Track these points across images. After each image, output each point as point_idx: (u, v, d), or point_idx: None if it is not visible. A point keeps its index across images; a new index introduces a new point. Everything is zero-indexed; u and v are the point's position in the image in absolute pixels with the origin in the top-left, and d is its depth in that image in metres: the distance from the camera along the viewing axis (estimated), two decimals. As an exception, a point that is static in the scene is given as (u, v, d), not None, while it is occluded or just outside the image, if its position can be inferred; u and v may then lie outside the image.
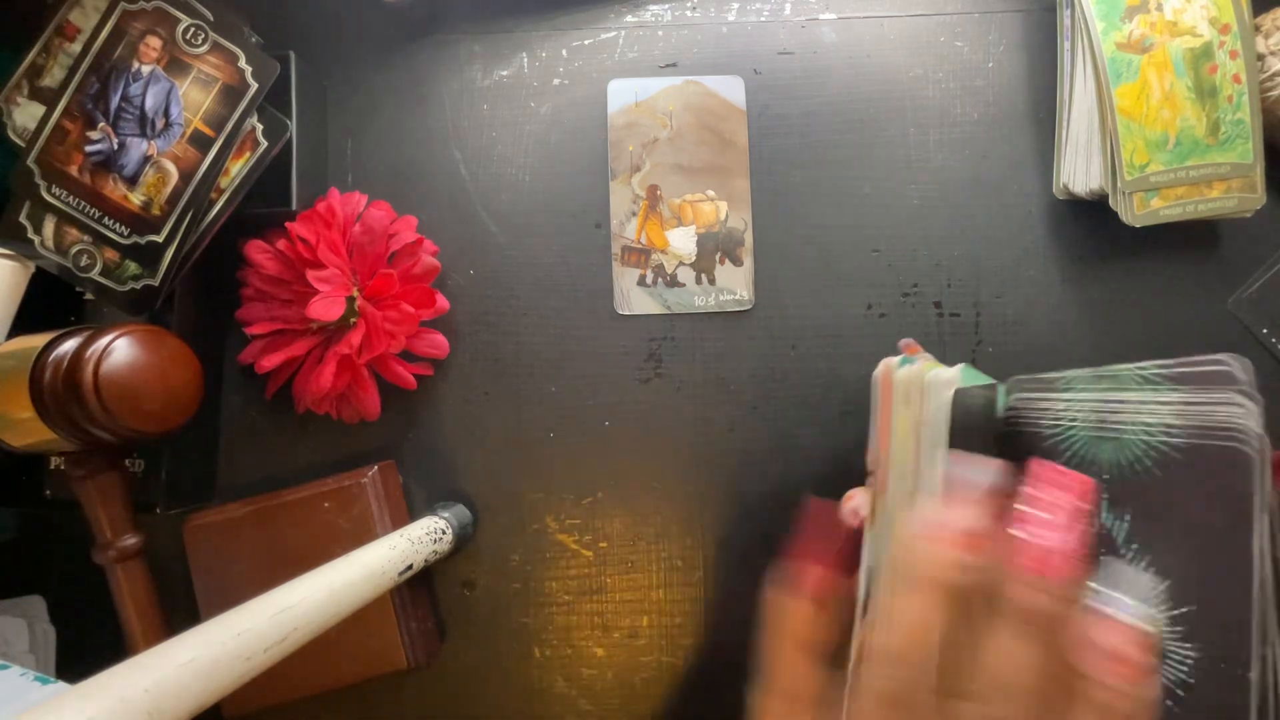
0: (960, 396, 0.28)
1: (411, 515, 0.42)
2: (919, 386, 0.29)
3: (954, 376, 0.29)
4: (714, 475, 0.43)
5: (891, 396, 0.31)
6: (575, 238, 0.44)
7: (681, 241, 0.44)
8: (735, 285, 0.43)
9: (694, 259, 0.43)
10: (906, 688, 0.18)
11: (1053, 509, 0.19)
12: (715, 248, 0.44)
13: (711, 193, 0.44)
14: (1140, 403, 0.27)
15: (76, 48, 0.38)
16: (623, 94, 0.44)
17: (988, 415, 0.27)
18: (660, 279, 0.43)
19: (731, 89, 0.44)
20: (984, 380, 0.30)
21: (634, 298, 0.43)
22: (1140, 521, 0.26)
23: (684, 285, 0.43)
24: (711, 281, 0.43)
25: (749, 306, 0.43)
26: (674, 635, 0.42)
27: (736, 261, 0.44)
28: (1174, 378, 0.27)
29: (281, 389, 0.42)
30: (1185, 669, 0.26)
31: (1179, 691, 0.26)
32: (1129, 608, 0.20)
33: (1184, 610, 0.26)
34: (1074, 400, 0.29)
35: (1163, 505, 0.25)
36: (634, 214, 0.44)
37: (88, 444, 0.34)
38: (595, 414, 0.43)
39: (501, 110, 0.45)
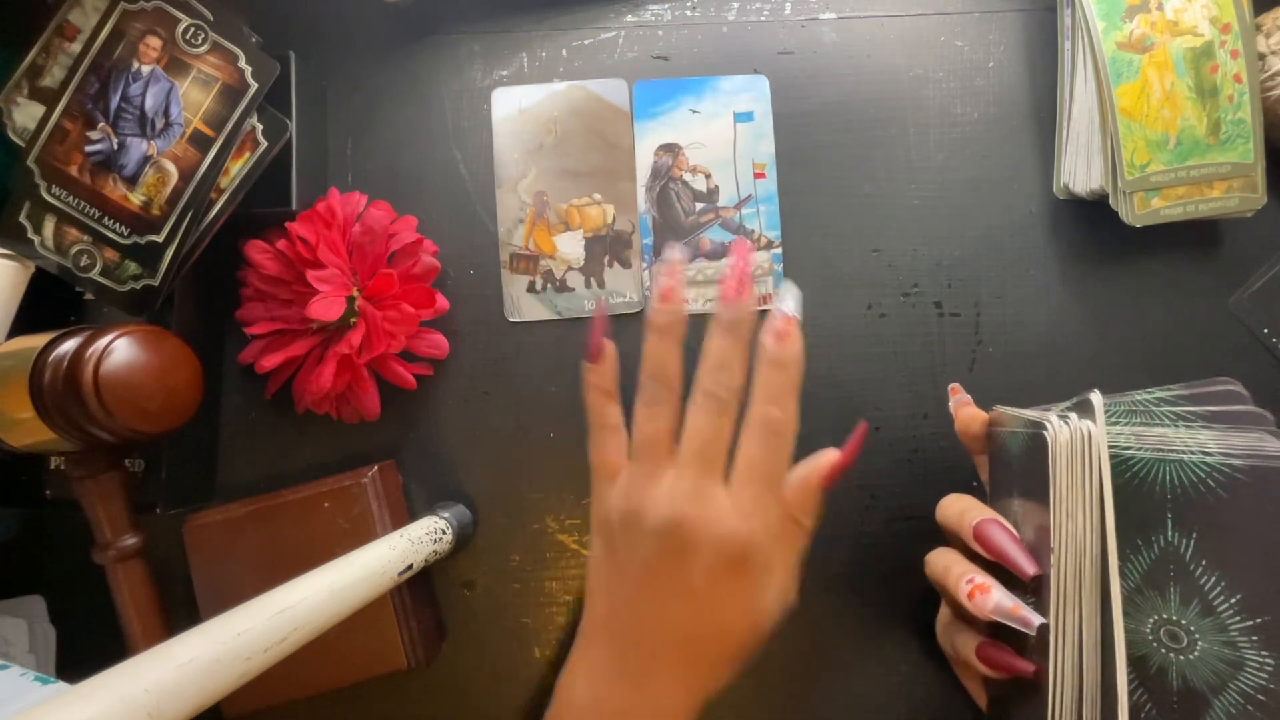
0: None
1: (411, 515, 0.42)
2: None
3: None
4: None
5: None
6: (575, 238, 0.44)
7: (569, 246, 0.43)
8: (624, 287, 0.43)
9: (582, 263, 0.43)
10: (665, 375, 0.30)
11: (735, 266, 0.30)
12: (603, 251, 0.43)
13: (598, 196, 0.44)
14: (1190, 438, 0.30)
15: (76, 48, 0.38)
16: (507, 102, 0.44)
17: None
18: (550, 284, 0.43)
19: (615, 92, 0.44)
20: None
21: (524, 304, 0.43)
22: (1206, 539, 0.29)
23: (573, 290, 0.43)
24: (601, 285, 0.43)
25: (637, 309, 0.43)
26: (674, 635, 0.42)
27: (625, 264, 0.43)
28: (1205, 416, 0.30)
29: (281, 389, 0.42)
30: (1264, 675, 0.28)
31: (1260, 696, 0.27)
32: (782, 308, 0.31)
33: (1260, 620, 0.28)
34: (1117, 432, 0.31)
35: (1231, 523, 0.28)
36: (521, 221, 0.44)
37: (88, 444, 0.34)
38: (595, 414, 0.43)
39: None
